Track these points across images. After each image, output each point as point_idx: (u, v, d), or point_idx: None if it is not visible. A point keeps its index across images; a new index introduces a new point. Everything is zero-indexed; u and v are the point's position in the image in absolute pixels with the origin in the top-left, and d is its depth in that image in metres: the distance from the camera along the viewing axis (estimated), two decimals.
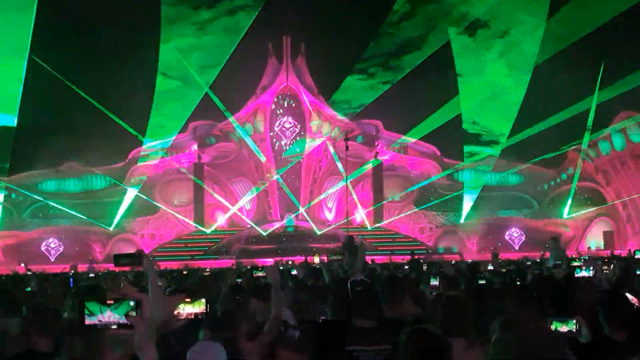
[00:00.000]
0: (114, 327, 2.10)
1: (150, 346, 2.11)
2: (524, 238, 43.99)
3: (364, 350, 4.15)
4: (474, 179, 46.53)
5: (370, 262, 17.45)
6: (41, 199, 42.62)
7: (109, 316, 2.09)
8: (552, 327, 3.37)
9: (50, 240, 41.67)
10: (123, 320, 2.09)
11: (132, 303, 2.11)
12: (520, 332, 2.14)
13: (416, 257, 22.36)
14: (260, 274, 5.90)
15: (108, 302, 2.11)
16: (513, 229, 44.65)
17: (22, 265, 27.90)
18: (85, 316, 2.10)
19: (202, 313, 3.35)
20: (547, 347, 2.10)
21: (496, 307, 5.13)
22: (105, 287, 2.79)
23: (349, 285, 4.79)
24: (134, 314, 2.09)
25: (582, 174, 44.45)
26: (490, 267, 11.49)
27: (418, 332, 2.51)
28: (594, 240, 43.17)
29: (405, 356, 2.39)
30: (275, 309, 4.42)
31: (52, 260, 39.53)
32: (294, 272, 11.19)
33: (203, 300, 3.38)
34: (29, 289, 9.13)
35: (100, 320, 2.09)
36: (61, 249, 41.32)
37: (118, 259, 3.53)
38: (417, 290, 6.71)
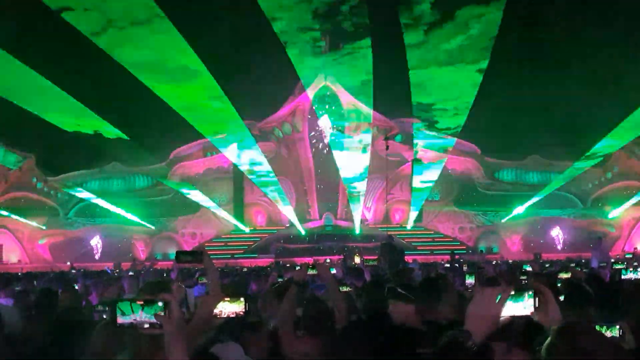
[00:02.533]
0: (146, 326, 2.21)
1: (179, 346, 2.19)
2: (567, 238, 42.99)
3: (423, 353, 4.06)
4: (517, 178, 45.97)
5: (411, 262, 17.34)
6: (86, 199, 43.68)
7: (141, 316, 2.20)
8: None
9: (95, 238, 42.60)
10: (154, 320, 2.20)
11: (160, 304, 2.20)
12: (579, 341, 2.02)
13: (456, 257, 22.14)
14: (311, 272, 5.96)
15: (139, 302, 2.22)
16: (556, 229, 43.68)
17: (68, 263, 28.66)
18: (118, 316, 2.20)
19: (241, 312, 3.39)
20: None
21: None
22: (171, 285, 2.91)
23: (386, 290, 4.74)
24: (162, 314, 2.19)
25: (629, 172, 43.29)
26: (529, 268, 11.19)
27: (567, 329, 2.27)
28: None
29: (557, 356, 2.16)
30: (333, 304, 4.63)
31: (97, 258, 40.40)
32: (333, 271, 11.18)
33: (242, 299, 3.42)
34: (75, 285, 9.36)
35: (134, 320, 2.20)
36: (105, 248, 42.19)
37: (180, 256, 3.66)
38: (457, 291, 6.62)
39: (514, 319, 2.19)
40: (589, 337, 2.05)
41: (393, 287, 4.64)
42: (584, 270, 11.45)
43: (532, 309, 2.15)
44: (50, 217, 42.73)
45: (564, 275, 8.41)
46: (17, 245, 41.08)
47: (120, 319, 2.21)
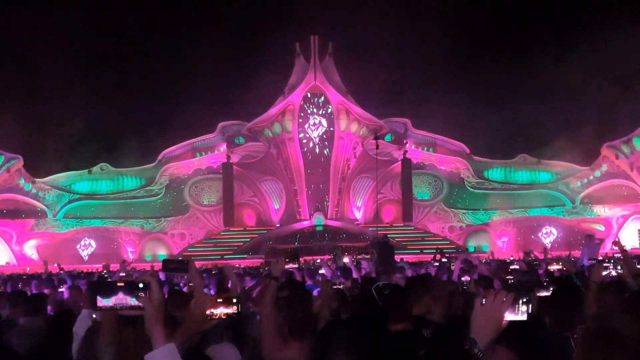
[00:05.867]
0: (127, 308, 2.23)
1: (158, 326, 2.22)
2: (557, 236, 43.20)
3: None
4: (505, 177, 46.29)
5: (399, 261, 17.34)
6: (75, 200, 43.44)
7: (121, 298, 2.21)
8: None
9: (83, 240, 42.33)
10: (134, 302, 2.21)
11: (141, 285, 2.22)
12: (615, 325, 2.08)
13: (447, 255, 22.15)
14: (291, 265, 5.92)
15: (119, 284, 2.23)
16: (545, 227, 43.88)
17: (56, 265, 28.34)
18: (99, 299, 2.21)
19: (234, 314, 3.37)
20: None
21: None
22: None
23: (374, 291, 4.69)
24: (143, 295, 2.21)
25: (616, 171, 43.59)
26: (516, 266, 11.13)
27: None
28: (629, 239, 42.10)
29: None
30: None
31: (85, 260, 40.15)
32: (322, 271, 11.14)
33: (235, 300, 3.40)
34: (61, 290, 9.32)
35: (114, 303, 2.21)
36: (94, 249, 41.94)
37: (166, 264, 3.71)
38: (448, 288, 6.61)
39: (511, 324, 2.23)
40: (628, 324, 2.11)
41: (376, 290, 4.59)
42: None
43: (526, 316, 2.21)
44: (38, 219, 42.43)
45: (555, 267, 8.39)
46: (5, 248, 40.73)
47: (101, 302, 2.22)
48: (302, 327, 3.94)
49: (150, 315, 2.21)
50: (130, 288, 2.22)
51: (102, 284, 2.31)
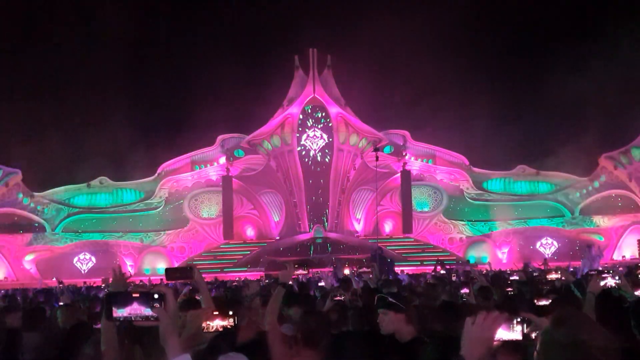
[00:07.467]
0: (141, 318, 2.24)
1: (173, 337, 2.23)
2: (556, 247, 43.13)
3: None
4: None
5: (399, 273, 17.34)
6: (74, 214, 43.36)
7: (136, 309, 2.22)
8: None
9: (82, 254, 42.19)
10: (149, 312, 2.22)
11: (156, 296, 2.24)
12: (574, 330, 2.08)
13: (447, 267, 22.16)
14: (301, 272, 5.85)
15: (134, 295, 2.25)
16: (545, 239, 43.80)
17: (54, 279, 28.30)
18: (114, 309, 2.23)
19: (230, 326, 3.36)
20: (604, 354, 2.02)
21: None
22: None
23: (395, 299, 4.65)
24: (158, 306, 2.22)
25: (615, 181, 43.60)
26: (515, 277, 11.12)
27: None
28: (629, 249, 42.08)
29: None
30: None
31: (84, 274, 39.99)
32: (322, 283, 11.15)
33: (231, 313, 3.39)
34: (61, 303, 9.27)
35: (129, 313, 2.22)
36: (92, 263, 41.80)
37: (170, 272, 3.69)
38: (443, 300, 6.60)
39: (504, 343, 2.23)
40: (587, 330, 2.10)
41: (383, 296, 4.56)
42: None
43: (521, 335, 2.20)
44: (36, 233, 42.32)
45: (554, 277, 8.39)
46: (3, 262, 40.60)
47: (116, 312, 2.23)
48: (318, 335, 3.87)
49: (166, 326, 2.22)
50: (146, 299, 2.23)
51: (118, 295, 2.30)
